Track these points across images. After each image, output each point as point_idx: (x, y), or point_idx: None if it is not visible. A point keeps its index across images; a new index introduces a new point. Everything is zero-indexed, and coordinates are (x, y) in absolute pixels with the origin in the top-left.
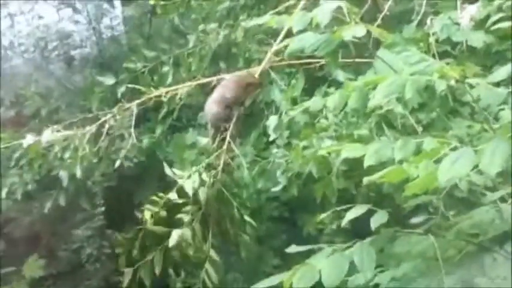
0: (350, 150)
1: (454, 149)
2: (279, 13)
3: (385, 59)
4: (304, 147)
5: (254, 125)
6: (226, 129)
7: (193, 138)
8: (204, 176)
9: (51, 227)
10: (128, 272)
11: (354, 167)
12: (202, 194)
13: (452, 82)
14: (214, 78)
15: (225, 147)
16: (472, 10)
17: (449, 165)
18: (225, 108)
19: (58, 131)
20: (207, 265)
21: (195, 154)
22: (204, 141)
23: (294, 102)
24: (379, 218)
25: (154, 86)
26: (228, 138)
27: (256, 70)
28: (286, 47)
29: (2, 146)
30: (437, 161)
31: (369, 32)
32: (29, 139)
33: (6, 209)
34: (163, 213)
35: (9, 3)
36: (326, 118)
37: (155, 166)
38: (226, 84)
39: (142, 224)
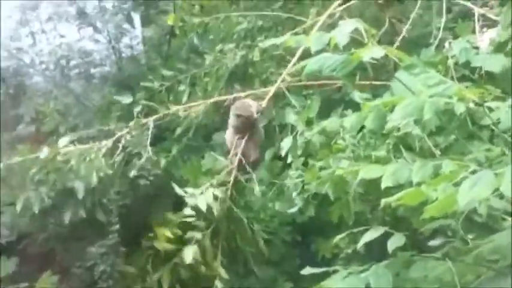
0: (367, 171)
1: (474, 172)
2: (296, 34)
3: (403, 80)
4: (321, 168)
5: (268, 148)
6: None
7: (210, 164)
8: (217, 192)
9: (65, 244)
10: None
11: (370, 189)
12: (215, 210)
13: (471, 105)
14: (231, 96)
15: (235, 163)
16: (492, 34)
17: (469, 188)
18: (251, 116)
19: (73, 141)
20: (217, 282)
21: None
22: (222, 163)
23: (309, 123)
24: (395, 241)
25: (170, 104)
26: (239, 154)
27: (270, 91)
28: (303, 67)
29: (19, 160)
30: (456, 184)
31: (387, 54)
32: (45, 151)
33: (21, 225)
34: (177, 231)
35: (31, 21)
36: (343, 139)
37: (171, 186)
38: (245, 100)
39: (151, 247)
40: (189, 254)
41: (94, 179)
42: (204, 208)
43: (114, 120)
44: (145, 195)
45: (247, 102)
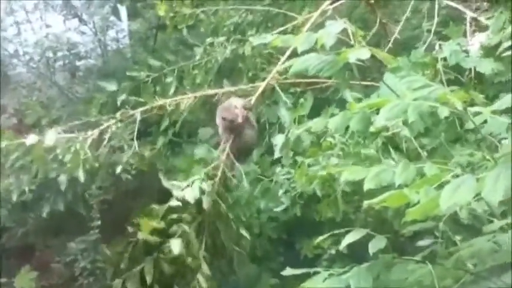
0: (351, 173)
1: (456, 176)
2: (286, 31)
3: (389, 83)
4: (310, 165)
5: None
6: (234, 133)
7: (203, 153)
8: (204, 185)
9: (45, 238)
10: (117, 283)
11: (356, 189)
12: (204, 201)
13: (459, 107)
14: (221, 91)
15: (223, 157)
16: (482, 37)
17: (452, 192)
18: (236, 118)
19: (59, 133)
20: (199, 275)
21: (203, 171)
22: (215, 153)
23: (301, 121)
24: (377, 243)
25: (156, 96)
26: (227, 149)
27: (259, 88)
28: (290, 67)
29: (2, 145)
30: (438, 188)
31: (374, 56)
32: (31, 139)
33: (1, 218)
34: (161, 223)
35: (17, 11)
36: (332, 137)
37: (155, 180)
38: (233, 100)
39: (134, 235)
40: (176, 246)
41: (80, 172)
42: (191, 200)
43: (97, 107)
44: (128, 189)
45: (233, 104)
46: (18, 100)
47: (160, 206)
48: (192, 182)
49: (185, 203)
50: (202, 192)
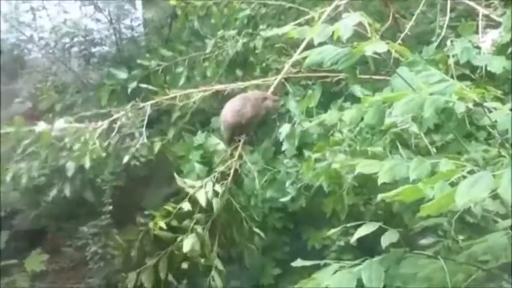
0: (364, 166)
1: (472, 172)
2: (299, 25)
3: (404, 76)
4: (317, 160)
5: (266, 134)
6: (240, 136)
7: (202, 140)
8: (217, 187)
9: (57, 222)
10: (132, 276)
11: (365, 183)
12: (215, 205)
13: (471, 105)
14: (231, 86)
15: (236, 157)
16: (494, 35)
17: (467, 188)
18: (241, 122)
19: (70, 122)
20: (214, 273)
21: (200, 154)
22: (215, 141)
23: (309, 113)
24: (389, 237)
25: (166, 86)
26: (240, 148)
27: (273, 81)
28: (304, 59)
29: (13, 131)
30: (452, 184)
31: (388, 50)
32: (41, 125)
33: (13, 200)
34: (174, 222)
35: None
36: (340, 132)
37: (165, 169)
38: (248, 98)
39: (147, 226)
40: (187, 245)
41: (87, 160)
42: (204, 203)
43: (107, 94)
44: (139, 176)
45: (238, 105)
46: (33, 85)
47: (173, 206)
48: (206, 182)
49: (197, 202)
50: (215, 194)
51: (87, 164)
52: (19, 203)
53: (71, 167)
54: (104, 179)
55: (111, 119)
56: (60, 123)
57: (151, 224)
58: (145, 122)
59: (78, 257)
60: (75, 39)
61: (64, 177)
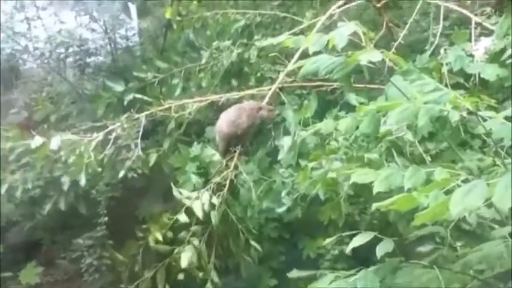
0: (360, 175)
1: (466, 180)
2: (294, 34)
3: (398, 85)
4: (313, 169)
5: (261, 144)
6: (235, 147)
7: (197, 151)
8: (214, 199)
9: (52, 234)
10: None
11: (361, 192)
12: (213, 217)
13: (465, 113)
14: (226, 96)
15: (232, 167)
16: (487, 43)
17: (462, 196)
18: (237, 132)
19: (65, 136)
20: (209, 285)
21: (196, 166)
22: (211, 152)
23: (306, 123)
24: (385, 247)
25: (162, 97)
26: (235, 159)
27: (268, 91)
28: (299, 68)
29: (8, 145)
30: (447, 192)
31: (383, 59)
32: (37, 140)
33: (8, 212)
34: (169, 233)
35: (28, 6)
36: (336, 141)
37: (161, 180)
38: (243, 108)
39: (144, 240)
40: (185, 260)
41: (82, 176)
42: (200, 215)
43: (103, 107)
44: (135, 186)
45: (233, 115)
46: (28, 95)
47: (170, 216)
48: (202, 194)
49: (194, 214)
50: (212, 207)
51: (83, 179)
52: (14, 214)
53: (66, 181)
54: (99, 190)
55: (107, 130)
56: (56, 140)
57: (150, 238)
58: (140, 133)
59: (73, 269)
60: (70, 50)
61: (59, 191)
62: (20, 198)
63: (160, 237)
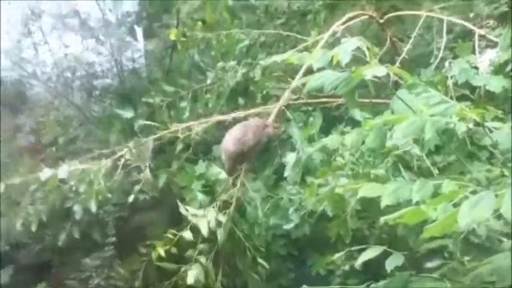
0: (367, 190)
1: (474, 192)
2: (298, 52)
3: (404, 99)
4: (320, 185)
5: (268, 161)
6: (241, 164)
7: (203, 170)
8: (220, 216)
9: (61, 255)
10: None
11: (368, 207)
12: (219, 235)
13: (471, 125)
14: (231, 115)
15: (238, 185)
16: (491, 55)
17: (470, 208)
18: (243, 150)
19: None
20: None
21: (202, 184)
22: (216, 170)
23: (311, 140)
24: (394, 260)
25: (171, 120)
26: (242, 177)
27: (274, 108)
28: (304, 85)
29: (18, 180)
30: (456, 204)
31: (387, 73)
32: (46, 173)
33: (18, 234)
34: (174, 250)
35: (34, 32)
36: (342, 157)
37: (169, 200)
38: (249, 126)
39: (149, 256)
40: (192, 275)
41: (93, 204)
42: (205, 233)
43: (115, 134)
44: (143, 207)
45: (239, 133)
46: (35, 119)
47: (175, 234)
48: (208, 211)
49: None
50: (218, 224)
51: (93, 206)
52: (24, 236)
53: (78, 210)
54: (107, 210)
55: (115, 157)
56: (64, 169)
57: (153, 254)
58: (148, 156)
59: None
60: (77, 73)
61: (72, 220)
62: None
63: (163, 254)
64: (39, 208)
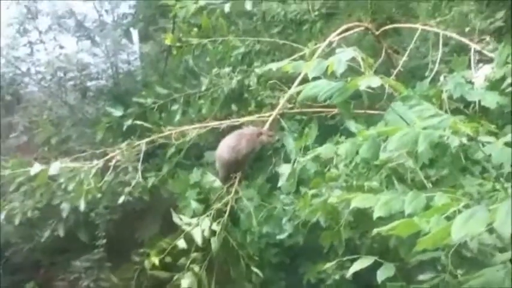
0: (360, 201)
1: (467, 206)
2: (294, 61)
3: (398, 111)
4: (313, 196)
5: (261, 170)
6: (236, 173)
7: (197, 178)
8: (214, 225)
9: (50, 255)
10: None
11: (360, 217)
12: (213, 244)
13: (464, 140)
14: (225, 122)
15: (232, 194)
16: (487, 70)
17: (464, 222)
18: (237, 158)
19: (66, 163)
20: None
21: (196, 192)
22: (210, 178)
23: (306, 149)
24: (386, 271)
25: (162, 123)
26: (236, 185)
27: (268, 117)
28: (299, 93)
29: (8, 173)
30: (448, 218)
31: (382, 84)
32: (36, 168)
33: (6, 234)
34: (168, 258)
35: (30, 31)
36: (336, 168)
37: (160, 204)
38: (243, 134)
39: (142, 265)
40: (185, 284)
41: (82, 203)
42: (199, 242)
43: (102, 131)
44: (134, 209)
45: (233, 141)
46: (28, 118)
47: (167, 242)
48: (202, 220)
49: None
50: (212, 233)
51: (82, 205)
52: (13, 236)
53: (65, 207)
54: (97, 212)
55: (107, 158)
56: (55, 166)
57: (146, 263)
58: (140, 159)
59: None
60: (71, 74)
61: (58, 217)
62: (19, 224)
63: (157, 262)
64: (25, 202)
